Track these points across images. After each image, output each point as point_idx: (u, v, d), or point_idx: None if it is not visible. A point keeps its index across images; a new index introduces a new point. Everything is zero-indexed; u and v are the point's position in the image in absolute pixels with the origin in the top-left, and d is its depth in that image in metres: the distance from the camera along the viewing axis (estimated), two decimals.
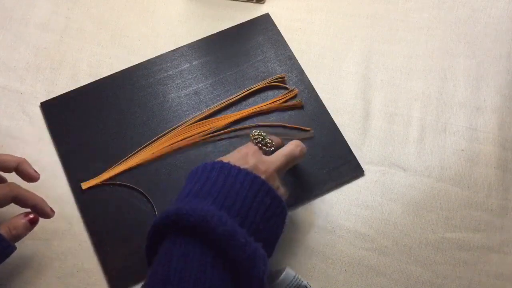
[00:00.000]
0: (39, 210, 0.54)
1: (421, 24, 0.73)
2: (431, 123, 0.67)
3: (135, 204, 0.60)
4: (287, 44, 0.71)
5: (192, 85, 0.68)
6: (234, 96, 0.67)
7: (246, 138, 0.64)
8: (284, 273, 0.53)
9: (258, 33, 0.71)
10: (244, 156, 0.52)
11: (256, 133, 0.56)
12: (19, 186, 0.53)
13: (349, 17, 0.73)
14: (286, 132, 0.64)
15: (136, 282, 0.57)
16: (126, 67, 0.68)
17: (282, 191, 0.52)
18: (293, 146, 0.55)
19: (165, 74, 0.68)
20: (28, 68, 0.68)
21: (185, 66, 0.69)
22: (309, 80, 0.68)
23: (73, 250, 0.58)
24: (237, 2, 0.74)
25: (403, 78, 0.70)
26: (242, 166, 0.50)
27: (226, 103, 0.66)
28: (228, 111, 0.66)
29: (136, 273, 0.57)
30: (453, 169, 0.64)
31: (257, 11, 0.73)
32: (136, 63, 0.68)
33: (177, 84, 0.68)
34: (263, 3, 0.74)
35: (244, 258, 0.43)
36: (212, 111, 0.66)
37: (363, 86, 0.69)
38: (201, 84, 0.68)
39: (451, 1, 0.75)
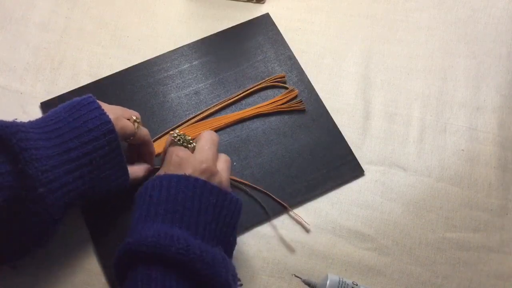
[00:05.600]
0: (149, 160, 0.59)
1: (421, 24, 0.73)
2: (431, 123, 0.67)
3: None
4: (287, 44, 0.71)
5: (192, 85, 0.68)
6: (234, 96, 0.67)
7: (246, 138, 0.65)
8: (328, 280, 0.53)
9: (258, 33, 0.71)
10: (178, 162, 0.51)
11: (176, 135, 0.55)
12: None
13: (349, 17, 0.73)
14: None
15: None
16: (126, 67, 0.68)
17: (223, 179, 0.52)
18: (207, 135, 0.55)
19: (165, 74, 0.68)
20: (28, 68, 0.68)
21: (185, 66, 0.69)
22: (309, 80, 0.68)
23: (73, 250, 0.58)
24: (237, 2, 0.74)
25: (403, 78, 0.70)
26: (180, 173, 0.50)
27: (226, 103, 0.66)
28: (228, 111, 0.66)
29: None
30: (453, 169, 0.64)
31: (257, 11, 0.73)
32: (136, 63, 0.69)
33: (177, 84, 0.68)
34: (263, 3, 0.74)
35: (204, 268, 0.43)
36: (212, 111, 0.66)
37: (363, 86, 0.69)
38: (201, 84, 0.68)
39: (451, 1, 0.75)
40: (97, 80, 0.67)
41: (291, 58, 0.70)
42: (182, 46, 0.70)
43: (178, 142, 0.54)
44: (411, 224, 0.61)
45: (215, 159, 0.53)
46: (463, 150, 0.65)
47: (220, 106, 0.66)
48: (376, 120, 0.67)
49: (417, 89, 0.69)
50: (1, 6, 0.71)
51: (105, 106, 0.52)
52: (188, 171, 0.50)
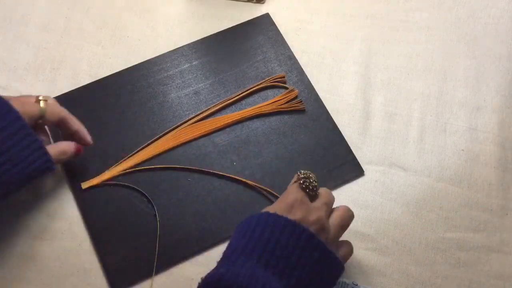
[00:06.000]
0: (81, 137, 0.58)
1: (421, 24, 0.73)
2: (431, 123, 0.67)
3: (135, 204, 0.60)
4: (287, 44, 0.71)
5: (192, 85, 0.68)
6: (234, 96, 0.67)
7: (246, 138, 0.65)
8: None
9: (258, 33, 0.71)
10: (291, 205, 0.49)
11: (303, 174, 0.52)
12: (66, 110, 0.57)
13: (349, 17, 0.73)
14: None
15: (136, 282, 0.57)
16: (126, 67, 0.68)
17: (332, 237, 0.50)
18: (328, 194, 0.53)
19: (165, 74, 0.68)
20: (28, 68, 0.68)
21: (185, 66, 0.69)
22: (309, 80, 0.68)
23: (73, 250, 0.58)
24: (237, 2, 0.74)
25: (403, 78, 0.70)
26: (289, 217, 0.47)
27: (226, 103, 0.66)
28: (228, 111, 0.66)
29: (136, 273, 0.57)
30: (453, 169, 0.64)
31: (257, 11, 0.73)
32: (136, 63, 0.69)
33: (177, 84, 0.68)
34: (263, 3, 0.74)
35: None
36: (212, 111, 0.66)
37: (363, 86, 0.69)
38: (201, 84, 0.68)
39: (451, 1, 0.75)
40: (97, 80, 0.67)
41: (291, 58, 0.70)
42: (182, 46, 0.70)
43: (302, 185, 0.51)
44: (411, 224, 0.61)
45: (328, 215, 0.52)
46: (463, 150, 0.65)
47: (220, 106, 0.66)
48: (376, 120, 0.67)
49: (417, 89, 0.69)
50: (1, 6, 0.71)
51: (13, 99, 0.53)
52: (297, 215, 0.48)
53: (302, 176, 0.52)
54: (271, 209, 0.50)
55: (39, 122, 0.55)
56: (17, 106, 0.51)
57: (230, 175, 0.62)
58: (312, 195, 0.52)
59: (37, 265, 0.57)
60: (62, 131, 0.59)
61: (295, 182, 0.52)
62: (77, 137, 0.58)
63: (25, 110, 0.52)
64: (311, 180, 0.52)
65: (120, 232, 0.59)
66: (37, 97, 0.55)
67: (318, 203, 0.51)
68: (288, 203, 0.49)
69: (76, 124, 0.58)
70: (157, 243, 0.58)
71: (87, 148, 0.59)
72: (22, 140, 0.51)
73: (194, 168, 0.62)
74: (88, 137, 0.59)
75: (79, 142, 0.59)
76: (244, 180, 0.61)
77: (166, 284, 0.57)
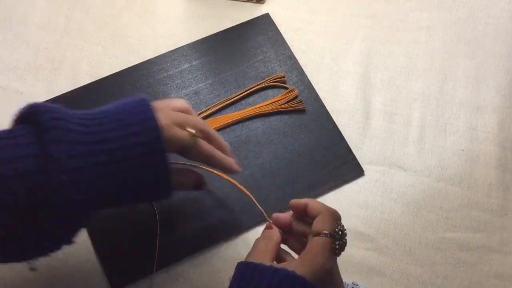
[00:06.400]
0: (224, 164, 0.50)
1: (421, 24, 0.73)
2: (431, 123, 0.67)
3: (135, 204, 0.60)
4: (287, 44, 0.71)
5: (192, 85, 0.68)
6: (234, 96, 0.67)
7: (246, 138, 0.65)
8: None
9: (258, 33, 0.71)
10: (323, 278, 0.43)
11: (340, 229, 0.45)
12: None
13: (349, 17, 0.73)
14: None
15: (136, 281, 0.57)
16: (126, 67, 0.68)
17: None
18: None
19: (165, 74, 0.68)
20: (28, 68, 0.68)
21: (185, 66, 0.69)
22: (309, 80, 0.68)
23: (73, 250, 0.58)
24: (237, 2, 0.74)
25: (403, 78, 0.70)
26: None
27: (226, 103, 0.66)
28: (228, 111, 0.66)
29: (135, 272, 0.57)
30: (453, 169, 0.64)
31: (257, 11, 0.73)
32: (136, 63, 0.69)
33: (177, 84, 0.68)
34: (263, 3, 0.74)
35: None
36: (212, 111, 0.66)
37: (363, 86, 0.69)
38: (201, 84, 0.68)
39: (451, 1, 0.75)
40: (97, 80, 0.67)
41: (291, 58, 0.70)
42: (182, 46, 0.70)
43: (337, 247, 0.44)
44: (411, 224, 0.61)
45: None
46: (463, 150, 0.65)
47: (220, 106, 0.66)
48: (376, 120, 0.67)
49: (417, 89, 0.69)
50: (1, 6, 0.71)
51: (162, 107, 0.46)
52: None
53: (339, 232, 0.44)
54: (298, 266, 0.42)
55: (183, 154, 0.48)
56: (165, 126, 0.44)
57: (219, 174, 0.58)
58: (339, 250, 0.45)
59: (37, 265, 0.57)
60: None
61: (324, 235, 0.44)
62: (222, 164, 0.51)
63: (172, 134, 0.45)
64: (344, 240, 0.45)
65: (120, 232, 0.59)
66: (192, 124, 0.48)
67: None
68: (320, 270, 0.42)
69: (219, 140, 0.51)
70: (157, 243, 0.58)
71: None
72: (154, 164, 0.44)
73: (189, 164, 0.60)
74: (234, 166, 0.51)
75: (225, 170, 0.52)
76: (232, 181, 0.58)
77: (165, 284, 0.57)
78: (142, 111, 0.44)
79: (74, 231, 0.44)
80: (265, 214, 0.53)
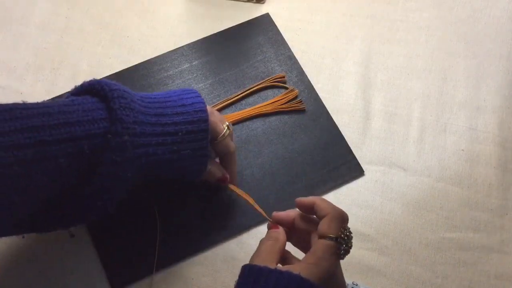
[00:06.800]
0: (231, 178, 0.57)
1: (421, 24, 0.73)
2: (431, 123, 0.67)
3: (135, 204, 0.60)
4: (287, 44, 0.71)
5: (192, 85, 0.68)
6: (234, 96, 0.67)
7: (246, 138, 0.65)
8: None
9: (258, 33, 0.71)
10: (325, 278, 0.43)
11: (346, 233, 0.44)
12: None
13: (349, 17, 0.73)
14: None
15: (136, 281, 0.57)
16: (126, 67, 0.68)
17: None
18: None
19: (165, 74, 0.68)
20: (28, 68, 0.68)
21: (185, 66, 0.69)
22: (309, 80, 0.68)
23: (73, 250, 0.58)
24: (237, 2, 0.74)
25: (403, 78, 0.70)
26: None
27: (226, 103, 0.66)
28: (228, 111, 0.66)
29: (136, 272, 0.57)
30: (453, 169, 0.64)
31: (257, 11, 0.73)
32: (136, 63, 0.69)
33: (177, 84, 0.68)
34: (263, 3, 0.74)
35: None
36: None
37: (363, 86, 0.69)
38: (201, 84, 0.68)
39: (451, 1, 0.75)
40: None
41: (291, 58, 0.70)
42: (182, 46, 0.70)
43: (341, 251, 0.44)
44: (411, 224, 0.61)
45: None
46: (463, 150, 0.65)
47: (220, 106, 0.66)
48: (376, 120, 0.67)
49: (417, 89, 0.69)
50: (1, 6, 0.72)
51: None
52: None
53: (345, 238, 0.44)
54: (303, 270, 0.42)
55: (210, 143, 0.53)
56: (209, 112, 0.52)
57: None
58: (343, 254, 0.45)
59: (37, 265, 0.57)
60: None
61: (330, 238, 0.44)
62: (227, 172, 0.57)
63: (214, 121, 0.53)
64: (350, 245, 0.45)
65: (120, 232, 0.59)
66: (226, 120, 0.55)
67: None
68: (325, 274, 0.43)
69: (234, 166, 0.57)
70: (157, 243, 0.58)
71: None
72: (199, 141, 0.51)
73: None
74: (234, 181, 0.58)
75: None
76: (232, 187, 0.59)
77: (166, 284, 0.57)
78: (195, 98, 0.52)
79: (116, 198, 0.48)
80: (265, 214, 0.53)
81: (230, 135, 0.55)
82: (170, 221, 0.60)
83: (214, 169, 0.56)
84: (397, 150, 0.65)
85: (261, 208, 0.54)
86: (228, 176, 0.57)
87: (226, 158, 0.57)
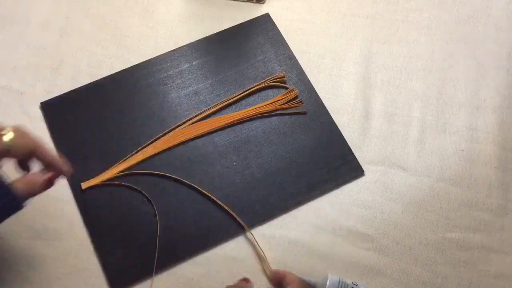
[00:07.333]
0: (57, 168, 0.51)
1: (421, 24, 0.73)
2: (431, 123, 0.67)
3: (135, 204, 0.60)
4: (287, 44, 0.71)
5: (192, 85, 0.68)
6: (234, 96, 0.67)
7: (246, 138, 0.65)
8: (328, 280, 0.53)
9: (258, 33, 0.71)
10: None
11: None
12: (38, 140, 0.50)
13: (349, 17, 0.73)
14: None
15: (136, 282, 0.57)
16: (126, 67, 0.68)
17: None
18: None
19: (165, 74, 0.68)
20: (28, 68, 0.68)
21: (185, 66, 0.69)
22: (309, 80, 0.68)
23: (73, 250, 0.58)
24: (237, 2, 0.74)
25: (403, 78, 0.70)
26: None
27: (226, 103, 0.66)
28: (228, 111, 0.66)
29: (136, 273, 0.57)
30: (453, 169, 0.64)
31: (257, 11, 0.73)
32: (136, 63, 0.68)
33: (177, 84, 0.68)
34: (263, 3, 0.74)
35: None
36: (212, 111, 0.66)
37: (363, 86, 0.69)
38: (201, 84, 0.68)
39: (451, 1, 0.75)
40: (97, 80, 0.67)
41: (291, 58, 0.70)
42: (182, 46, 0.70)
43: None
44: (411, 224, 0.61)
45: None
46: (463, 150, 0.65)
47: (220, 106, 0.66)
48: (376, 120, 0.67)
49: (417, 89, 0.69)
50: (1, 6, 0.71)
51: None
52: None
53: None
54: None
55: (6, 157, 0.48)
56: None
57: (203, 191, 0.61)
58: None
59: (37, 265, 0.57)
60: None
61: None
62: (52, 168, 0.51)
63: None
64: None
65: (120, 232, 0.59)
66: (1, 130, 0.48)
67: None
68: None
69: (48, 154, 0.51)
70: (157, 243, 0.58)
71: (87, 148, 0.59)
72: None
73: (179, 178, 0.61)
74: (64, 167, 0.52)
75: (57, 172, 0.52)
76: (212, 197, 0.60)
77: (165, 284, 0.57)
78: None
79: None
80: (246, 227, 0.56)
81: (17, 137, 0.48)
82: (170, 221, 0.60)
83: (29, 179, 0.49)
84: (397, 150, 0.65)
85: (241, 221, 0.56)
86: (52, 173, 0.51)
87: (35, 156, 0.50)
